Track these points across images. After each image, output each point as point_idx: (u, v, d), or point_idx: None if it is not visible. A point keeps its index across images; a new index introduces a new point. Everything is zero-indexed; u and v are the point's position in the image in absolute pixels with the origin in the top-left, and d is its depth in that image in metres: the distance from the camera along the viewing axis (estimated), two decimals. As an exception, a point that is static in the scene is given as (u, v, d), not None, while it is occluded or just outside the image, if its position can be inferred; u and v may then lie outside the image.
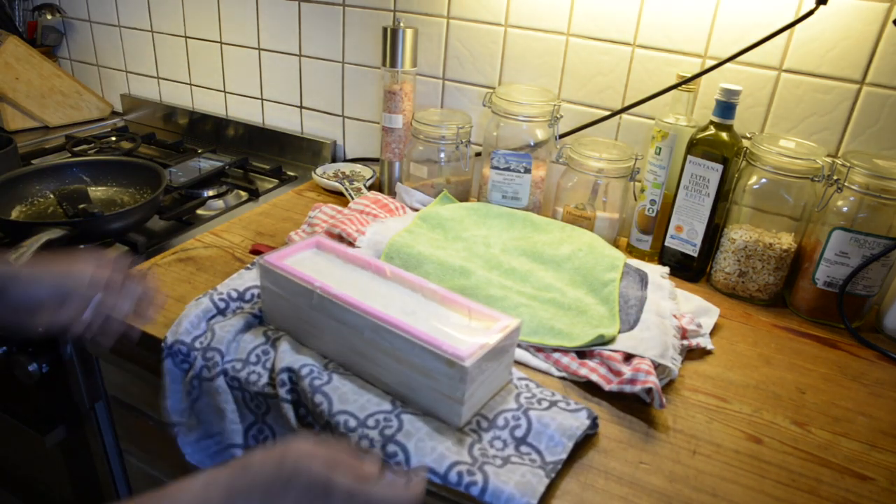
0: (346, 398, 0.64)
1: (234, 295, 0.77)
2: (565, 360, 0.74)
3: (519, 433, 0.63)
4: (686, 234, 0.95)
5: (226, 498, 0.46)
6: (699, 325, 0.82)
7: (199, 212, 1.13)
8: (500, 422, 0.64)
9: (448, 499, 0.63)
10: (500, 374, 0.67)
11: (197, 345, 0.71)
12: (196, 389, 0.71)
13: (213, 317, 0.75)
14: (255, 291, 0.78)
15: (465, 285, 0.81)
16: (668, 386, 0.74)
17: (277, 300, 0.72)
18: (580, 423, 0.64)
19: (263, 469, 0.47)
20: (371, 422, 0.61)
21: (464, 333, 0.64)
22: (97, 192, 1.12)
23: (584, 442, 0.64)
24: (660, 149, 0.95)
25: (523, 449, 0.61)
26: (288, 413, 0.65)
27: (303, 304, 0.69)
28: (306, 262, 0.74)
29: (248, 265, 0.87)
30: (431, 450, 0.59)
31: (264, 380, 0.68)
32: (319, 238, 0.78)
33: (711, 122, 0.89)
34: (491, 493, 0.55)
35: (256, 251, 0.93)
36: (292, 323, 0.72)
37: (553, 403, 0.67)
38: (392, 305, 0.67)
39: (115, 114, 1.63)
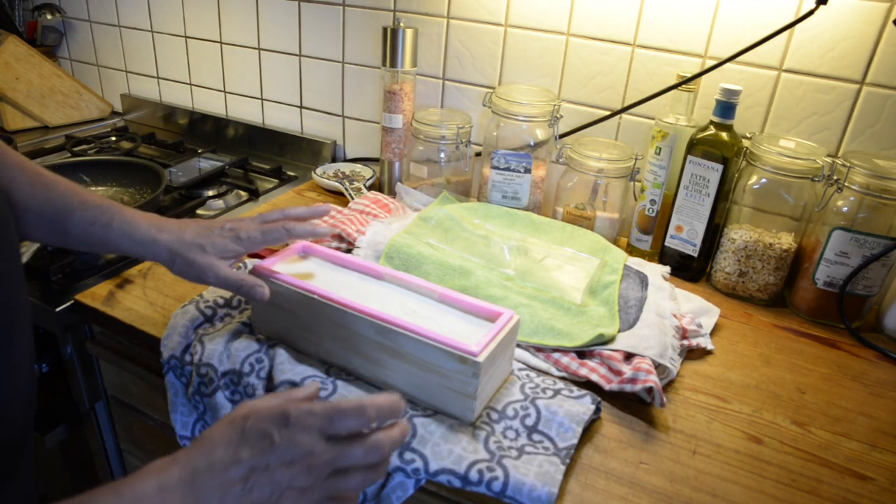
0: None
1: (221, 302, 0.76)
2: (565, 360, 0.74)
3: (529, 422, 0.64)
4: (686, 234, 0.95)
5: (185, 493, 0.43)
6: (699, 325, 0.82)
7: (199, 212, 1.13)
8: (510, 412, 0.65)
9: (452, 500, 0.63)
10: (504, 367, 0.68)
11: (188, 358, 0.70)
12: (200, 405, 0.71)
13: (200, 324, 0.73)
14: (243, 298, 0.77)
15: (465, 285, 0.81)
16: (668, 386, 0.74)
17: (270, 309, 0.71)
18: (586, 408, 0.65)
19: (217, 437, 0.45)
20: None
21: (468, 329, 0.64)
22: (97, 192, 1.12)
23: (585, 442, 0.64)
24: (660, 149, 0.95)
25: (535, 437, 0.62)
26: None
27: (300, 312, 0.68)
28: (296, 268, 0.73)
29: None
30: (448, 452, 0.59)
31: (259, 392, 0.67)
32: (305, 243, 0.77)
33: (711, 122, 0.89)
34: (513, 487, 0.56)
35: (255, 254, 0.92)
36: (288, 332, 0.71)
37: (557, 392, 0.68)
38: (391, 306, 0.67)
39: (115, 114, 1.63)
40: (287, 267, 0.73)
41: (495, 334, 0.62)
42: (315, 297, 0.66)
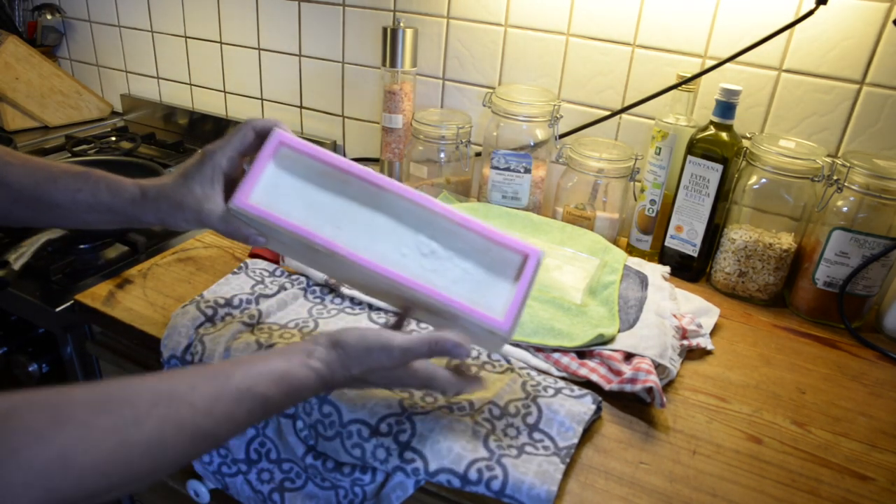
0: (354, 404, 0.63)
1: (222, 301, 0.76)
2: (565, 360, 0.74)
3: (530, 420, 0.64)
4: (686, 234, 0.95)
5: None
6: (699, 326, 0.82)
7: (199, 212, 1.13)
8: (512, 409, 0.65)
9: (452, 500, 0.63)
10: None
11: (188, 358, 0.70)
12: None
13: (201, 324, 0.73)
14: (244, 297, 0.77)
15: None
16: (668, 386, 0.74)
17: (275, 245, 0.67)
18: (587, 408, 0.65)
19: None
20: (384, 427, 0.61)
21: (490, 282, 0.59)
22: (97, 192, 1.12)
23: (585, 442, 0.64)
24: (660, 149, 0.95)
25: (536, 436, 0.62)
26: (284, 427, 0.65)
27: (302, 251, 0.63)
28: (279, 190, 0.60)
29: (235, 269, 0.85)
30: (448, 450, 0.59)
31: None
32: (273, 141, 0.60)
33: (711, 122, 0.89)
34: (512, 486, 0.56)
35: (256, 255, 0.92)
36: (301, 256, 0.71)
37: (558, 391, 0.68)
38: (405, 245, 0.59)
39: (115, 114, 1.63)
40: (266, 189, 0.60)
41: (523, 296, 0.57)
42: (317, 245, 0.58)
